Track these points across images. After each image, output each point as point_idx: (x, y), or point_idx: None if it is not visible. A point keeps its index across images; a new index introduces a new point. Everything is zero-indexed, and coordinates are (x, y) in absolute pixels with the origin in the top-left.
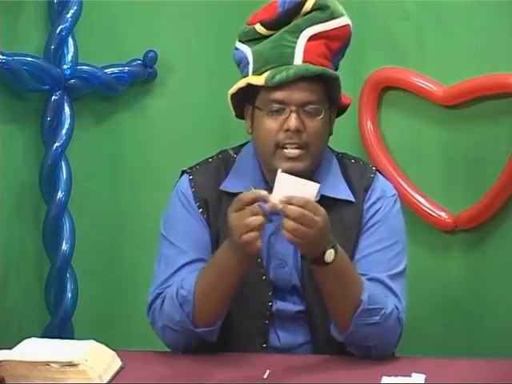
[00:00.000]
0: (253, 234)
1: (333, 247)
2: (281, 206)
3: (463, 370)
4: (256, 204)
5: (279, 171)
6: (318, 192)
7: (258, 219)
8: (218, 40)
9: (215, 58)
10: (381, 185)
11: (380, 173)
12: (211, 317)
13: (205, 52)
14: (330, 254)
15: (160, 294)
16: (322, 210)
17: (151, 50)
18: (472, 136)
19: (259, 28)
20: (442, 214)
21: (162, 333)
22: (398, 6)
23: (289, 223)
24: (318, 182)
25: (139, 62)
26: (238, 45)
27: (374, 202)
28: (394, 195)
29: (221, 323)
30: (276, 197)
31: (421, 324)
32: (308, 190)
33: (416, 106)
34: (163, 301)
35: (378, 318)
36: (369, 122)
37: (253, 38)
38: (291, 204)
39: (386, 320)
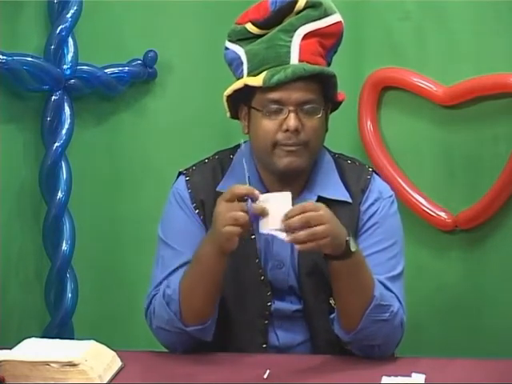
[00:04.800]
0: (235, 229)
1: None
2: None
3: (463, 370)
4: (247, 202)
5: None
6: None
7: (246, 217)
8: (218, 40)
9: (215, 58)
10: (378, 186)
11: (376, 173)
12: (199, 315)
13: (204, 52)
14: (352, 242)
15: (155, 295)
16: (319, 204)
17: (151, 50)
18: (472, 136)
19: (250, 27)
20: (442, 214)
21: (157, 334)
22: (398, 5)
23: (301, 233)
24: (289, 191)
25: (139, 62)
26: (229, 44)
27: (372, 204)
28: (391, 196)
29: (213, 322)
30: (266, 220)
31: (420, 324)
32: (285, 200)
33: (416, 106)
34: (155, 302)
35: (387, 314)
36: (369, 122)
37: (244, 38)
38: (291, 217)
39: (393, 318)
